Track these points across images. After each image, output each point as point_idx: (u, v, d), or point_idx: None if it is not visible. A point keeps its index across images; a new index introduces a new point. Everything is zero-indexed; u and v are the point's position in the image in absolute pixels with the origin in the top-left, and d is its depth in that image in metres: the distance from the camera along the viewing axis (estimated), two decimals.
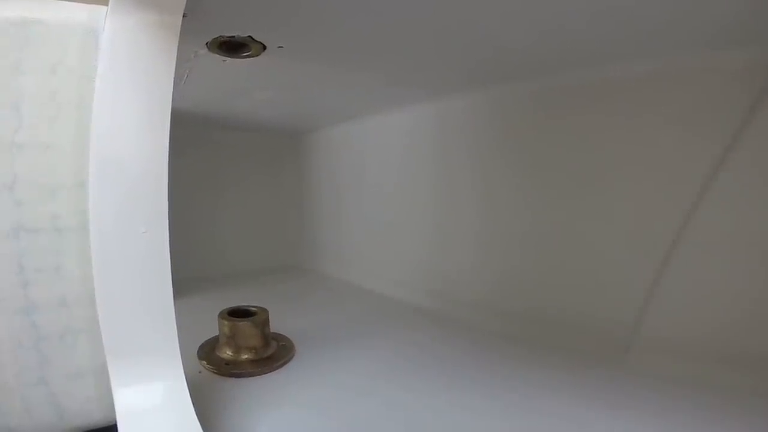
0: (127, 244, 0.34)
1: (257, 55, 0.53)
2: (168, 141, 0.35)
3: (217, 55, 0.52)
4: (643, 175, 0.54)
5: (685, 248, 0.51)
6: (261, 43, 0.50)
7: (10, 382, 0.39)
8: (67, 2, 0.42)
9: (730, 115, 0.47)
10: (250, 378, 0.51)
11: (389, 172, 0.91)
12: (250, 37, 0.48)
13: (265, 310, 0.58)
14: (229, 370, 0.52)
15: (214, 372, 0.52)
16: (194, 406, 0.35)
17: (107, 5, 0.38)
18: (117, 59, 0.35)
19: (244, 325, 0.54)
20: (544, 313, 0.64)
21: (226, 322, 0.55)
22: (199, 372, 0.52)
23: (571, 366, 0.54)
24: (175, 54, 0.36)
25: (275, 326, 0.61)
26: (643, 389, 0.48)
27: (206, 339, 0.59)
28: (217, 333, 0.57)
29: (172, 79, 0.36)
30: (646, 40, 0.47)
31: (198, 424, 0.33)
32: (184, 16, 0.36)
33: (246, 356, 0.54)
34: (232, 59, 0.54)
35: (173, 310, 0.35)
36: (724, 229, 0.49)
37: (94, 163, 0.34)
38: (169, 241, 0.36)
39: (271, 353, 0.56)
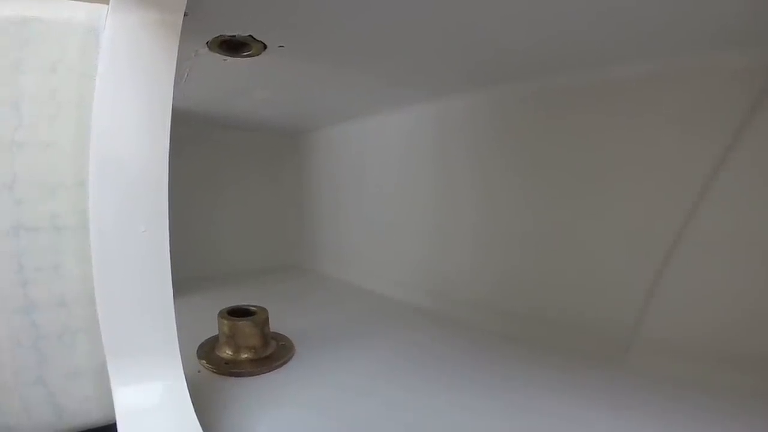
0: (127, 243, 0.34)
1: (258, 55, 0.53)
2: (168, 140, 0.35)
3: (218, 55, 0.52)
4: (643, 176, 0.54)
5: (685, 248, 0.51)
6: (262, 42, 0.50)
7: (8, 382, 0.39)
8: (67, 1, 0.42)
9: (730, 116, 0.47)
10: (250, 377, 0.51)
11: (389, 173, 0.91)
12: (250, 36, 0.48)
13: (264, 310, 0.58)
14: (229, 369, 0.52)
15: (213, 371, 0.52)
16: (194, 406, 0.35)
17: (108, 4, 0.38)
18: (117, 58, 0.35)
19: (243, 324, 0.54)
20: (545, 313, 0.64)
21: (225, 322, 0.54)
22: (199, 371, 0.52)
23: (572, 366, 0.54)
24: (176, 53, 0.36)
25: (275, 326, 0.61)
26: (643, 390, 0.48)
27: (206, 338, 0.59)
28: (216, 332, 0.57)
29: (173, 78, 0.35)
30: (647, 41, 0.47)
31: (197, 423, 0.33)
32: (185, 14, 0.36)
33: (245, 356, 0.54)
34: (233, 58, 0.54)
35: (173, 309, 0.35)
36: (725, 229, 0.49)
37: (94, 162, 0.34)
38: (169, 240, 0.36)
39: (270, 353, 0.56)
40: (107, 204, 0.34)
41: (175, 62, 0.35)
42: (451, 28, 0.46)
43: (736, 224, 0.48)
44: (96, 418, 0.43)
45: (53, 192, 0.41)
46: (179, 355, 0.35)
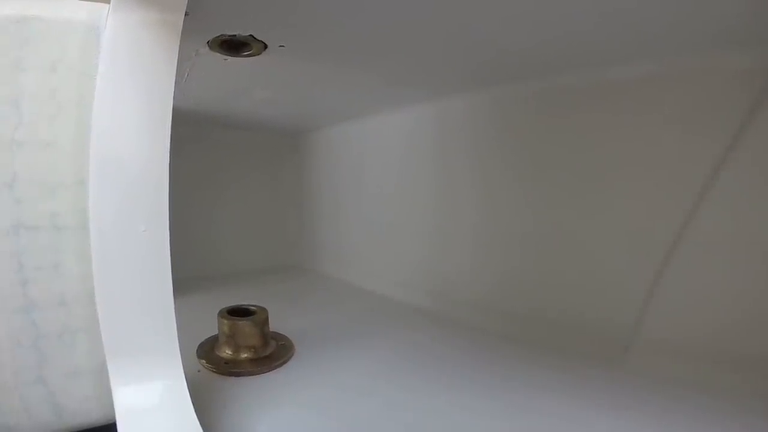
0: (127, 242, 0.34)
1: (258, 55, 0.53)
2: (169, 140, 0.35)
3: (219, 54, 0.52)
4: (643, 175, 0.54)
5: (685, 248, 0.51)
6: (262, 42, 0.50)
7: (8, 381, 0.39)
8: (68, 0, 0.42)
9: (731, 116, 0.47)
10: (250, 377, 0.51)
11: (389, 173, 0.91)
12: (251, 36, 0.48)
13: (264, 310, 0.58)
14: (229, 369, 0.52)
15: (213, 371, 0.52)
16: (193, 406, 0.35)
17: (108, 3, 0.38)
18: (118, 57, 0.35)
19: (243, 324, 0.54)
20: (545, 313, 0.64)
21: (225, 321, 0.54)
22: (198, 371, 0.52)
23: (571, 366, 0.54)
24: (177, 53, 0.36)
25: (275, 326, 0.61)
26: (643, 390, 0.48)
27: (205, 338, 0.59)
28: (216, 332, 0.57)
29: (174, 78, 0.35)
30: (648, 42, 0.47)
31: (197, 423, 0.33)
32: (185, 14, 0.36)
33: (245, 355, 0.54)
34: (234, 58, 0.54)
35: (173, 309, 0.35)
36: (725, 230, 0.49)
37: (95, 162, 0.34)
38: (169, 240, 0.36)
39: (270, 352, 0.56)
40: (107, 203, 0.34)
41: (175, 62, 0.35)
42: (451, 28, 0.46)
43: (736, 224, 0.48)
44: (96, 417, 0.43)
45: (53, 191, 0.41)
46: (179, 355, 0.35)
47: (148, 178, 0.34)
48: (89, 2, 0.42)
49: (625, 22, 0.42)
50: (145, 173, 0.34)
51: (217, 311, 0.57)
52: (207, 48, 0.51)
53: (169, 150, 0.35)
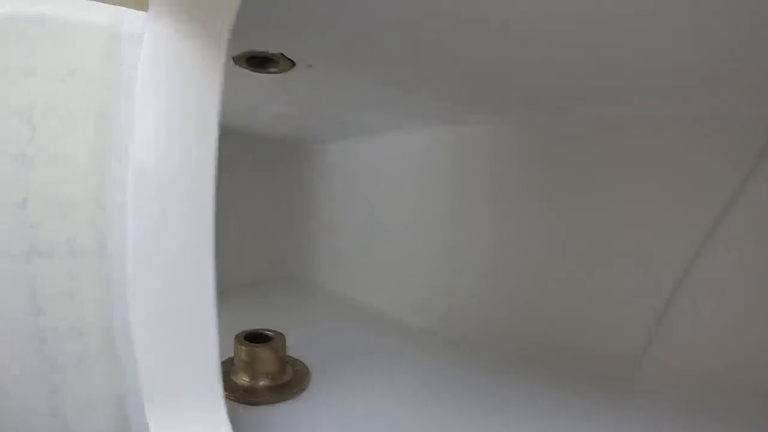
0: (168, 271, 0.31)
1: (284, 72, 0.51)
2: (215, 160, 0.33)
3: (244, 69, 0.51)
4: (661, 206, 0.55)
5: (696, 278, 0.53)
6: (290, 60, 0.48)
7: (21, 414, 0.36)
8: (87, 1, 0.39)
9: (745, 156, 0.49)
10: (271, 405, 0.48)
11: (405, 191, 0.89)
12: (281, 54, 0.47)
13: (282, 335, 0.55)
14: (247, 397, 0.49)
15: (232, 399, 0.49)
16: None
17: (134, 7, 0.36)
18: (158, 70, 0.33)
19: (262, 351, 0.52)
20: (562, 339, 0.64)
21: (243, 348, 0.52)
22: None
23: (588, 391, 0.54)
24: (223, 66, 0.34)
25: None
26: (653, 414, 0.48)
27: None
28: (226, 354, 0.54)
29: (220, 95, 0.34)
30: (674, 81, 0.48)
31: None
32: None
33: (263, 383, 0.51)
34: (257, 74, 0.52)
35: (217, 344, 0.33)
36: (737, 261, 0.50)
37: (134, 183, 0.31)
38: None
39: (288, 379, 0.54)
40: (147, 228, 0.31)
41: (222, 77, 0.34)
42: (486, 63, 0.46)
43: (749, 256, 0.50)
44: None
45: (69, 212, 0.37)
46: (222, 395, 0.33)
47: (191, 202, 0.32)
48: (111, 5, 0.39)
49: (649, 66, 0.43)
50: (190, 196, 0.32)
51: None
52: (231, 62, 0.49)
53: (215, 173, 0.33)
